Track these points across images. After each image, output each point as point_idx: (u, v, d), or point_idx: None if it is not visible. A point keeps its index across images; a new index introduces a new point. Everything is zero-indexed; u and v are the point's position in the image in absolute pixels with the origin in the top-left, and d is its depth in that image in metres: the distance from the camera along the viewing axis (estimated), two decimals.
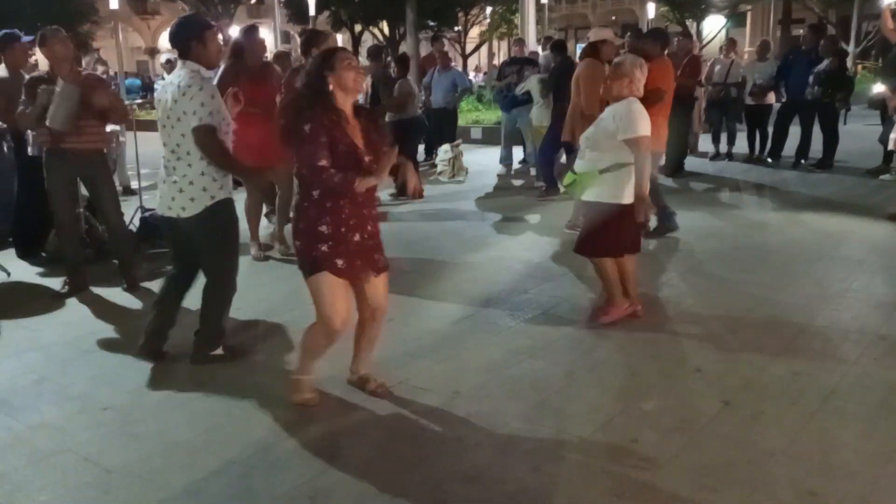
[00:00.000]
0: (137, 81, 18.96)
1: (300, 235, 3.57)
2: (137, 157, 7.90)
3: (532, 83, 9.40)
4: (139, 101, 11.09)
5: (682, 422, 3.59)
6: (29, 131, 5.87)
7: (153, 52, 40.50)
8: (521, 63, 10.59)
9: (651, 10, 35.16)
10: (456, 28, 36.35)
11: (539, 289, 5.56)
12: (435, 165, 10.79)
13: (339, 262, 3.50)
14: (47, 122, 5.22)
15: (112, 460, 3.35)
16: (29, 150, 6.05)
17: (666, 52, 7.21)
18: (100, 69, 9.82)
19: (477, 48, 36.50)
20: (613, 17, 46.91)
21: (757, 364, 4.20)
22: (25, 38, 6.38)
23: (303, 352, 3.79)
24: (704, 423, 3.57)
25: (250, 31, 5.98)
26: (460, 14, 34.57)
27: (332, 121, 3.41)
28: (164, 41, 36.17)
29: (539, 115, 9.30)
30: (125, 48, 36.22)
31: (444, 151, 10.54)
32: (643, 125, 4.57)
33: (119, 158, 9.68)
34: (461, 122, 14.76)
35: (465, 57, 36.25)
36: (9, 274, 6.09)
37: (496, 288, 5.64)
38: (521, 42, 11.63)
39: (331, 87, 3.44)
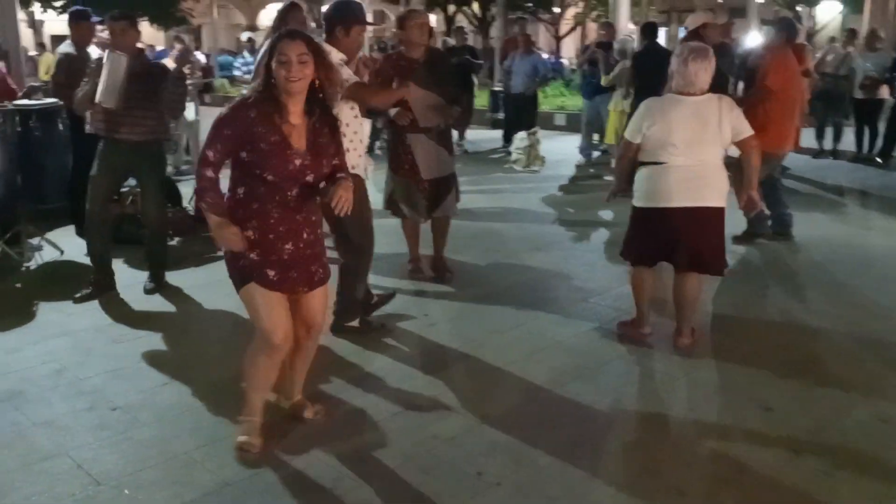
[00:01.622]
0: (230, 59, 19.02)
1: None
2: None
3: (620, 75, 8.89)
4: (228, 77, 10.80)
5: (739, 472, 3.10)
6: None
7: (253, 29, 41.23)
8: (607, 48, 10.01)
9: None
10: (555, 9, 35.48)
11: (600, 298, 5.09)
12: (510, 153, 10.35)
13: (271, 273, 3.07)
14: (97, 99, 5.06)
15: (104, 469, 3.13)
16: (86, 127, 5.95)
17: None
18: (177, 47, 9.75)
19: (571, 30, 35.47)
20: (720, 1, 44.91)
21: (837, 404, 3.67)
22: (94, 18, 6.29)
23: (247, 384, 3.30)
24: (765, 476, 3.07)
25: (291, 9, 5.72)
26: None
27: (262, 113, 2.98)
28: (263, 19, 36.66)
29: (618, 100, 8.83)
30: (227, 25, 36.95)
31: (519, 139, 10.09)
32: (632, 128, 4.16)
33: (177, 138, 9.61)
34: (545, 107, 14.26)
35: (558, 39, 35.36)
36: (62, 252, 6.03)
37: (552, 294, 5.21)
38: (608, 26, 11.00)
39: (273, 80, 2.99)
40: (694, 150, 4.05)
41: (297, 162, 3.02)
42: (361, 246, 4.39)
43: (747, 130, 4.12)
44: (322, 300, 3.32)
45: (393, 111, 4.93)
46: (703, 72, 4.04)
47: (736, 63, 7.89)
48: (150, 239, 5.38)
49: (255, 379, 3.27)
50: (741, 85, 11.27)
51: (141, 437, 3.39)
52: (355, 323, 4.52)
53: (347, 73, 4.11)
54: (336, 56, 4.09)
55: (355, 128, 4.25)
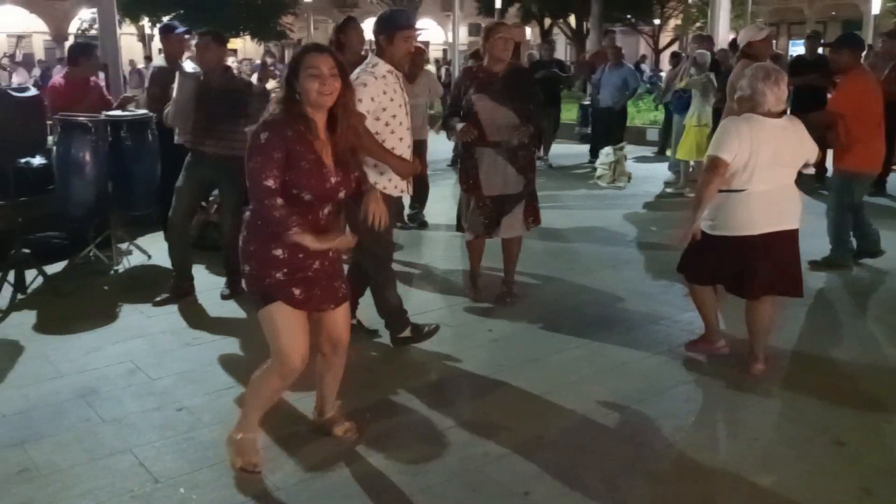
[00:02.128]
0: None
1: (250, 259, 3.05)
2: None
3: (695, 82, 8.65)
4: None
5: None
6: None
7: None
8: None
9: (876, 5, 31.72)
10: (656, 21, 34.93)
11: (672, 321, 4.94)
12: (595, 169, 10.21)
13: (297, 292, 3.02)
14: (167, 122, 5.29)
15: (164, 467, 3.25)
16: (175, 138, 6.21)
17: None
18: (268, 60, 10.09)
19: (671, 43, 34.80)
20: (833, 13, 43.14)
21: None
22: (179, 30, 6.55)
23: (250, 401, 3.23)
24: None
25: (346, 25, 5.83)
26: (656, 7, 33.16)
27: (297, 132, 2.93)
28: None
29: (692, 114, 8.69)
30: (325, 39, 37.89)
31: (605, 154, 9.94)
32: (721, 145, 3.87)
33: None
34: (637, 122, 14.02)
35: (657, 52, 34.74)
36: (149, 257, 6.30)
37: (622, 314, 5.10)
38: (703, 38, 10.70)
39: (297, 95, 2.94)
40: (775, 173, 3.93)
41: (333, 180, 3.00)
42: (378, 257, 4.37)
43: (814, 153, 4.08)
44: (346, 316, 3.30)
45: (459, 125, 4.87)
46: (784, 94, 3.97)
47: None
48: (227, 247, 5.55)
49: (261, 398, 3.20)
50: None
51: (202, 439, 3.49)
52: (407, 332, 4.51)
53: (367, 107, 4.05)
54: (383, 68, 4.16)
55: (392, 143, 4.23)
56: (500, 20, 5.35)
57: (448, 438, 3.49)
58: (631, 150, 10.24)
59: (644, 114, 15.09)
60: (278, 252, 2.98)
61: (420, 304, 5.13)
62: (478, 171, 5.00)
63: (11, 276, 5.28)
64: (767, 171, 3.90)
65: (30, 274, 5.36)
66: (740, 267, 4.01)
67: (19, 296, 5.28)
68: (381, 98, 4.13)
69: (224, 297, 5.40)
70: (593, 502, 3.01)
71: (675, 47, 34.42)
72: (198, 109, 5.18)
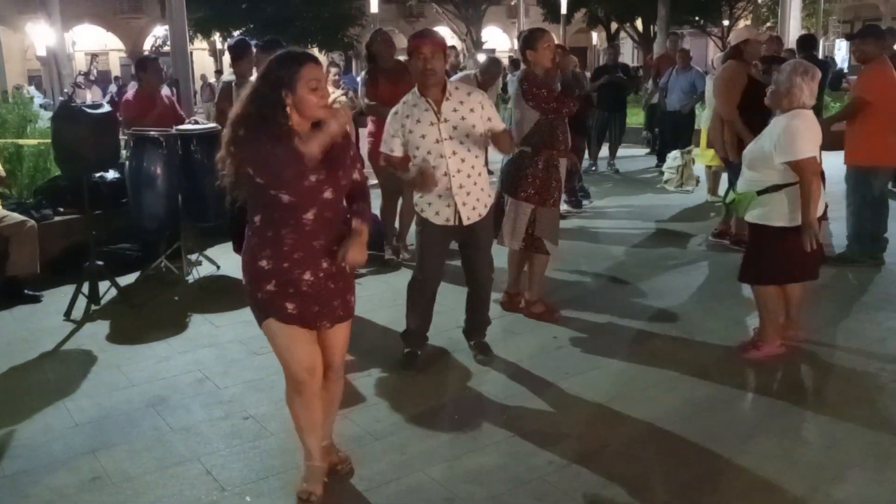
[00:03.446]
0: None
1: (244, 272, 2.93)
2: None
3: None
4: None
5: None
6: None
7: None
8: (769, 63, 9.47)
9: None
10: (724, 22, 34.20)
11: (738, 327, 4.80)
12: (662, 173, 10.01)
13: (290, 307, 2.87)
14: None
15: (230, 476, 3.29)
16: None
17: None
18: (332, 70, 10.20)
19: None
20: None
21: None
22: (255, 44, 6.68)
23: (295, 427, 3.11)
24: None
25: (377, 35, 5.90)
26: (725, 8, 32.46)
27: (269, 134, 2.73)
28: None
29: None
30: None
31: (672, 158, 9.74)
32: (805, 145, 3.89)
33: None
34: (705, 125, 13.69)
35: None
36: (218, 267, 6.42)
37: (691, 320, 4.98)
38: (773, 38, 10.38)
39: (288, 107, 2.75)
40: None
41: (313, 178, 2.79)
42: (414, 276, 4.40)
43: None
44: (342, 338, 3.10)
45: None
46: (816, 89, 4.12)
47: None
48: None
49: (297, 421, 3.08)
50: None
51: (268, 447, 3.53)
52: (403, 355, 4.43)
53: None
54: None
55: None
56: (538, 26, 5.24)
57: (512, 447, 3.45)
58: (698, 152, 10.00)
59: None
60: (263, 263, 2.86)
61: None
62: (556, 181, 4.88)
63: (86, 287, 5.44)
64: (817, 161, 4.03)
65: (103, 285, 5.52)
66: (797, 255, 4.05)
67: (93, 307, 5.44)
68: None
69: None
70: None
71: None
72: None
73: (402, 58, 5.72)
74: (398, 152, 4.15)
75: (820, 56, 14.08)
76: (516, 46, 6.69)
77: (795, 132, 3.92)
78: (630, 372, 4.23)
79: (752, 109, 5.92)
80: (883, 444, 3.37)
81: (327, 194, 2.84)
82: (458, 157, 4.07)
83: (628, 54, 37.16)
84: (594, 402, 3.86)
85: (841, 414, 3.66)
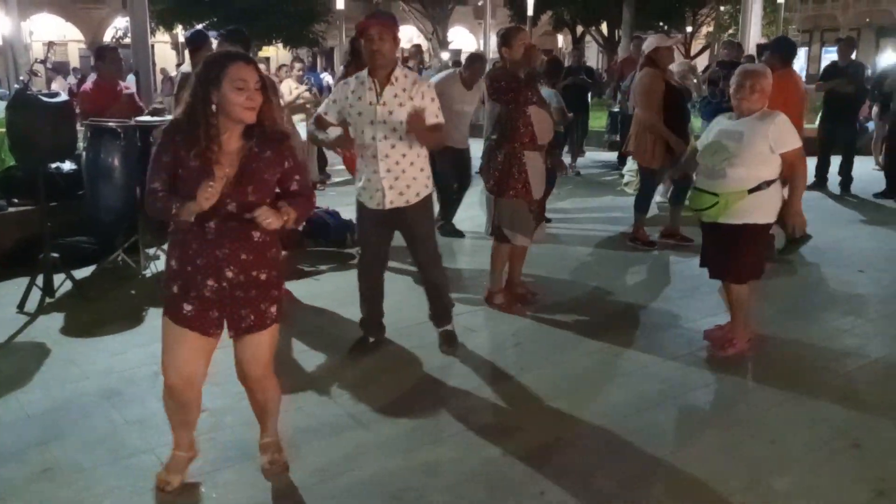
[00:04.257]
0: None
1: (165, 266, 2.97)
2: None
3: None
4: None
5: None
6: None
7: None
8: (729, 68, 9.66)
9: None
10: (688, 28, 34.71)
11: (693, 325, 4.90)
12: (622, 176, 10.15)
13: (186, 308, 2.84)
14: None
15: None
16: None
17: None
18: (297, 66, 10.19)
19: (703, 50, 34.56)
20: (868, 20, 42.49)
21: None
22: (214, 35, 6.64)
23: (168, 417, 3.14)
24: None
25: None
26: (689, 14, 32.96)
27: (187, 138, 2.72)
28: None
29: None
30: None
31: (631, 161, 9.85)
32: (796, 135, 4.15)
33: None
34: None
35: (689, 58, 34.50)
36: None
37: (643, 319, 5.09)
38: (732, 44, 10.60)
39: (213, 105, 2.70)
40: None
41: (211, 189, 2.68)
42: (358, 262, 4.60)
43: None
44: (257, 351, 3.01)
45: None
46: None
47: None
48: None
49: (168, 414, 3.11)
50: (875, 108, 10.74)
51: (223, 439, 3.53)
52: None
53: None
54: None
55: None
56: (516, 24, 5.31)
57: (469, 440, 3.50)
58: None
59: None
60: (173, 262, 2.87)
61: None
62: (528, 175, 4.88)
63: (40, 279, 5.37)
64: None
65: (58, 278, 5.45)
66: None
67: (48, 299, 5.36)
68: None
69: None
70: (611, 501, 2.99)
71: (705, 55, 34.29)
72: None
73: None
74: (331, 117, 4.25)
75: None
76: (482, 47, 6.78)
77: (788, 124, 4.11)
78: (584, 368, 4.31)
79: (670, 113, 6.32)
80: (823, 438, 3.49)
81: (230, 207, 2.76)
82: (388, 141, 4.10)
83: (593, 58, 37.50)
84: (549, 396, 3.93)
85: (785, 410, 3.78)
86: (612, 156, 11.90)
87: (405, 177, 4.17)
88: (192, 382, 2.97)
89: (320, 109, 4.33)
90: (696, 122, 11.34)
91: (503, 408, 3.82)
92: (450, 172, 7.13)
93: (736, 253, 4.28)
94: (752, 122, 4.15)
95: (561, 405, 3.82)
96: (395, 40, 4.11)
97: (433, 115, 4.15)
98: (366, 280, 4.47)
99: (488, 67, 6.48)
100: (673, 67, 9.03)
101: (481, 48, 29.53)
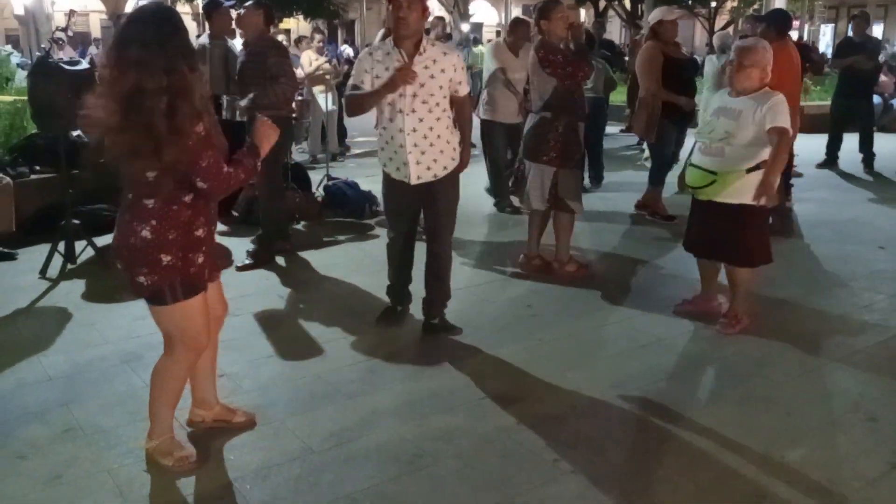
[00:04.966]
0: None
1: (165, 249, 2.77)
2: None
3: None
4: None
5: (830, 482, 2.93)
6: (224, 96, 6.15)
7: None
8: None
9: None
10: (713, 4, 34.17)
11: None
12: (643, 150, 10.08)
13: (209, 273, 2.99)
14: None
15: (204, 430, 3.32)
16: (223, 113, 6.32)
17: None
18: (317, 37, 10.17)
19: (727, 25, 34.01)
20: None
21: None
22: (227, 3, 6.62)
23: (160, 403, 3.07)
24: (858, 488, 2.89)
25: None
26: None
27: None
28: None
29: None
30: (378, 20, 38.03)
31: None
32: (787, 116, 4.02)
33: (311, 127, 9.97)
34: None
35: (713, 34, 34.01)
36: None
37: (660, 291, 5.08)
38: (755, 20, 10.39)
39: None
40: None
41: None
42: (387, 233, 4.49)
43: None
44: (221, 289, 3.25)
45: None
46: None
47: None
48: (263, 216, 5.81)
49: (171, 393, 3.09)
50: None
51: (240, 403, 3.56)
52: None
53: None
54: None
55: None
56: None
57: (482, 407, 3.53)
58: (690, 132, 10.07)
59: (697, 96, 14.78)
60: (200, 232, 2.86)
61: (463, 278, 5.14)
62: (577, 145, 5.10)
63: (62, 246, 5.43)
64: None
65: (80, 245, 5.51)
66: None
67: (69, 266, 5.44)
68: None
69: (239, 269, 5.54)
70: (622, 473, 3.01)
71: (730, 30, 33.81)
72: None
73: None
74: (367, 87, 4.05)
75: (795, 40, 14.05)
76: (503, 20, 6.79)
77: (782, 103, 4.03)
78: (600, 339, 4.32)
79: (672, 85, 6.39)
80: (839, 412, 3.49)
81: None
82: (416, 115, 4.01)
83: (616, 32, 37.05)
84: (564, 366, 3.94)
85: (802, 383, 3.77)
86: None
87: (432, 150, 4.07)
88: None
89: (352, 81, 4.14)
90: None
91: (518, 377, 3.83)
92: (503, 148, 7.12)
93: (739, 235, 4.22)
94: (750, 101, 4.08)
95: (576, 375, 3.83)
96: (424, 11, 4.01)
97: (465, 88, 4.17)
98: (395, 248, 4.40)
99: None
100: (715, 40, 8.93)
101: (503, 22, 29.26)
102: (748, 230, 4.22)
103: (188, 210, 2.79)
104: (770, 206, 4.15)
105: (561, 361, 4.00)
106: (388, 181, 4.26)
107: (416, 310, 4.58)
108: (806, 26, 29.19)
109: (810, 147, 8.60)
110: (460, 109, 4.22)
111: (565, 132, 5.02)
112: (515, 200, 6.80)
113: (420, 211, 4.31)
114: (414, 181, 4.10)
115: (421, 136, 4.04)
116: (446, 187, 4.22)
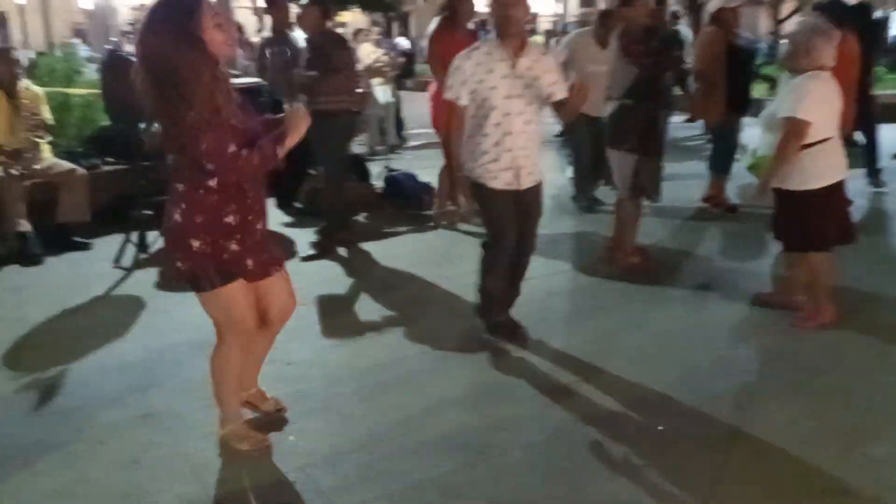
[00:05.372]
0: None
1: (194, 234, 2.78)
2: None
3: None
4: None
5: None
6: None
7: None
8: None
9: None
10: None
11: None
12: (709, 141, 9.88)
13: (250, 264, 2.91)
14: None
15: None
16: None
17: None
18: (374, 30, 10.26)
19: (794, 13, 33.09)
20: None
21: None
22: None
23: (222, 390, 3.14)
24: None
25: None
26: None
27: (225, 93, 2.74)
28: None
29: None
30: (433, 11, 38.01)
31: None
32: (806, 107, 3.87)
33: (370, 120, 10.01)
34: (754, 94, 13.42)
35: (778, 22, 33.14)
36: None
37: (733, 284, 4.97)
38: (822, 8, 10.05)
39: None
40: (835, 123, 4.09)
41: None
42: (487, 244, 4.09)
43: None
44: (287, 285, 3.19)
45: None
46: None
47: None
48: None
49: (228, 378, 3.14)
50: None
51: (309, 391, 3.63)
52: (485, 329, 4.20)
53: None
54: None
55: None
56: None
57: (546, 399, 3.52)
58: (748, 121, 9.81)
59: (760, 87, 14.41)
60: (230, 219, 2.81)
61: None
62: (663, 133, 5.08)
63: (135, 236, 5.58)
64: (833, 121, 4.02)
65: (152, 235, 5.65)
66: (843, 212, 4.13)
67: (141, 255, 5.58)
68: None
69: (303, 260, 5.62)
70: (694, 465, 2.97)
71: (797, 17, 32.82)
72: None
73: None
74: (464, 101, 3.83)
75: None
76: (561, 10, 6.71)
77: (804, 91, 3.91)
78: (666, 332, 4.25)
79: (732, 71, 6.26)
80: None
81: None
82: (523, 117, 3.81)
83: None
84: (631, 359, 3.90)
85: (878, 379, 3.65)
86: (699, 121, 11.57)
87: (534, 154, 3.91)
88: (256, 321, 3.07)
89: (449, 95, 3.86)
90: None
91: (584, 369, 3.79)
92: (586, 144, 7.05)
93: (777, 220, 4.23)
94: (790, 84, 4.06)
95: (643, 368, 3.79)
96: (527, 6, 3.83)
97: (563, 89, 3.91)
98: (503, 251, 3.99)
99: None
100: (788, 27, 8.77)
101: (560, 11, 29.00)
102: (780, 213, 4.20)
103: (214, 195, 2.78)
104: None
105: (628, 354, 3.96)
106: (488, 193, 3.91)
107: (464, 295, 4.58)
108: (878, 12, 28.27)
109: (886, 137, 8.32)
110: (565, 108, 3.96)
111: (646, 120, 4.97)
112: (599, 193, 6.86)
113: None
114: (524, 185, 3.89)
115: (529, 139, 3.86)
116: (540, 192, 4.04)
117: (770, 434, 3.17)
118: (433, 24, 6.21)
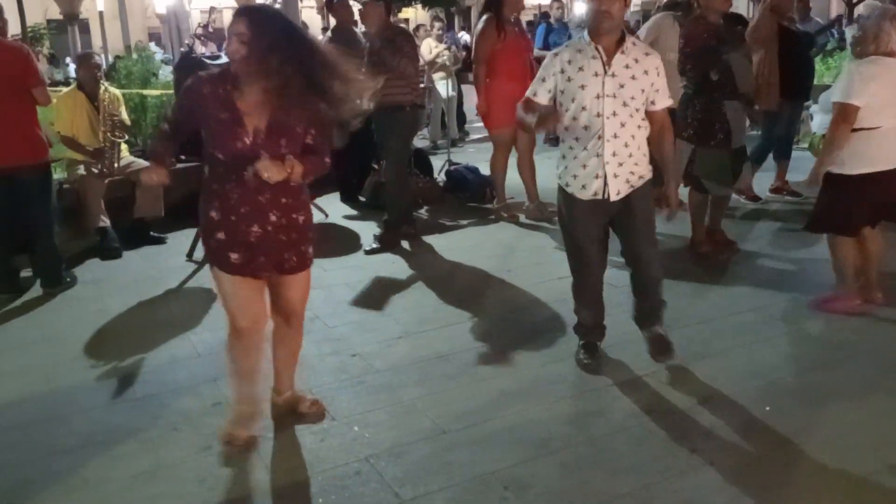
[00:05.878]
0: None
1: (202, 212, 3.00)
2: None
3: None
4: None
5: None
6: None
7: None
8: None
9: None
10: None
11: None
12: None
13: (234, 257, 2.94)
14: None
15: (339, 407, 3.47)
16: None
17: None
18: (437, 25, 10.30)
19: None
20: None
21: None
22: None
23: (228, 369, 3.24)
24: None
25: None
26: None
27: (213, 91, 2.85)
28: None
29: None
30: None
31: None
32: (858, 91, 3.85)
33: (432, 114, 10.08)
34: (826, 79, 13.04)
35: (851, 6, 31.99)
36: (326, 215, 6.63)
37: (806, 278, 4.85)
38: None
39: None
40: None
41: (247, 140, 2.83)
42: (571, 267, 3.83)
43: None
44: (299, 289, 3.16)
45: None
46: None
47: None
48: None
49: (235, 364, 3.19)
50: None
51: (373, 383, 3.69)
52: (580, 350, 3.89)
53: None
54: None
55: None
56: None
57: (612, 394, 3.50)
58: (817, 108, 9.55)
59: (834, 71, 13.99)
60: (213, 214, 2.94)
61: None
62: (729, 124, 4.96)
63: None
64: (893, 108, 3.94)
65: None
66: (883, 202, 4.07)
67: None
68: None
69: (367, 253, 5.69)
70: (763, 465, 2.91)
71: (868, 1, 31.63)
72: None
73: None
74: (541, 99, 3.57)
75: None
76: None
77: (858, 76, 3.89)
78: (738, 327, 4.17)
79: (787, 56, 6.30)
80: None
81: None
82: (617, 119, 3.46)
83: (742, 5, 35.53)
84: (701, 354, 3.85)
85: None
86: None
87: (630, 161, 3.51)
88: (258, 322, 3.12)
89: (528, 93, 3.65)
90: None
91: (649, 364, 3.75)
92: None
93: (818, 202, 4.26)
94: (847, 68, 4.06)
95: (713, 363, 3.73)
96: (627, 3, 3.47)
97: (665, 97, 3.59)
98: (586, 281, 3.77)
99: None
100: (861, 10, 8.55)
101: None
102: (820, 194, 4.21)
103: (206, 188, 2.97)
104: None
105: (693, 349, 3.89)
106: (571, 202, 3.63)
107: (551, 294, 4.58)
108: None
109: None
110: (659, 129, 3.62)
111: (704, 109, 4.92)
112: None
113: (608, 233, 3.76)
114: (614, 197, 3.54)
115: (622, 144, 3.48)
116: (642, 197, 3.62)
117: (845, 432, 3.10)
118: (480, 23, 6.22)
